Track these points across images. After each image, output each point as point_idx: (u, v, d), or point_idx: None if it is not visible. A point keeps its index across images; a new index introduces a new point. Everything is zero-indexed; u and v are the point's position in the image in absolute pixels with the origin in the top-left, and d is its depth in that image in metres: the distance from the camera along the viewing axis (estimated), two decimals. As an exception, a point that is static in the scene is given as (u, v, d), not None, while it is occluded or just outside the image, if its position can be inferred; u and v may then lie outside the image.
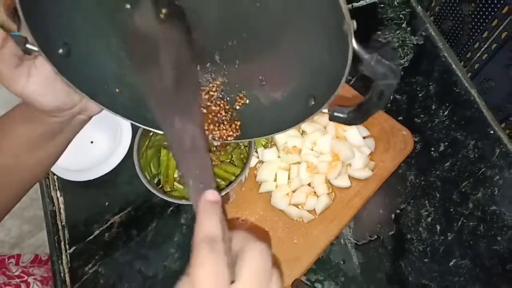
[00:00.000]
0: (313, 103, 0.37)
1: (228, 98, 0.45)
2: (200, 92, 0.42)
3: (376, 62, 0.29)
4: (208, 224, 0.26)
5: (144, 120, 0.43)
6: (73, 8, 0.34)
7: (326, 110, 0.36)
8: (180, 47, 0.32)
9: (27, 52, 0.33)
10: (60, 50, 0.35)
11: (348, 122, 0.36)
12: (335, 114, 0.36)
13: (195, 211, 0.28)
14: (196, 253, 0.24)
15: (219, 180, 0.59)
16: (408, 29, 0.80)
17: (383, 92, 0.31)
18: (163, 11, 0.31)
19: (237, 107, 0.44)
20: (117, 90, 0.41)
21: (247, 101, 0.44)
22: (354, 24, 0.28)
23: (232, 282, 0.24)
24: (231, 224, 0.27)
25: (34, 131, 0.40)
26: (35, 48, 0.32)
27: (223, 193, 0.53)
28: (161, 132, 0.44)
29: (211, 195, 0.28)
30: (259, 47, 0.40)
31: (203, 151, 0.30)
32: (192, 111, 0.31)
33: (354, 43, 0.28)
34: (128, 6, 0.32)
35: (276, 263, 0.25)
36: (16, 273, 0.76)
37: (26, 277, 0.76)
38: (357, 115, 0.35)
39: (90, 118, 0.43)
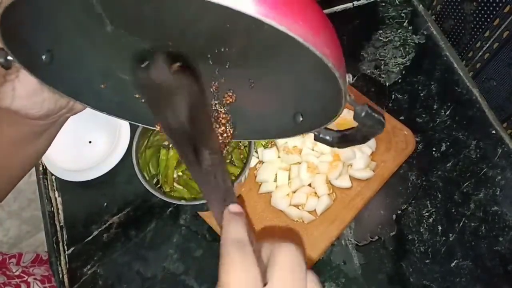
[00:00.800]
0: (301, 119, 0.38)
1: (217, 97, 0.45)
2: (212, 120, 0.44)
3: (365, 114, 0.32)
4: (234, 229, 0.26)
5: (133, 115, 0.42)
6: (55, 16, 0.33)
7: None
8: (191, 89, 0.34)
9: (8, 65, 0.31)
10: (43, 57, 0.33)
11: (331, 145, 0.38)
12: (321, 136, 0.38)
13: (219, 224, 0.28)
14: (225, 257, 0.23)
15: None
16: (410, 28, 0.79)
17: (367, 136, 0.34)
18: (175, 66, 0.34)
19: (225, 105, 0.45)
20: (102, 85, 0.40)
21: (235, 100, 0.44)
22: (350, 77, 0.29)
23: (265, 285, 0.23)
24: (258, 236, 0.29)
25: (21, 131, 0.40)
26: (17, 60, 0.31)
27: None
28: (151, 128, 0.43)
29: (235, 207, 0.28)
30: (251, 58, 0.40)
31: (223, 171, 0.31)
32: (208, 139, 0.32)
33: (348, 97, 0.30)
34: (143, 65, 0.35)
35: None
36: (16, 273, 0.75)
37: (26, 277, 0.75)
38: (340, 142, 0.38)
39: (76, 113, 0.43)
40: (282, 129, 0.40)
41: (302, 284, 0.23)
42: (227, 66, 0.42)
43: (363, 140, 0.35)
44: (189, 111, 0.32)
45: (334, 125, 0.35)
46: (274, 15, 0.22)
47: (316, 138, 0.38)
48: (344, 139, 0.37)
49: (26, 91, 0.34)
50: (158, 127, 0.43)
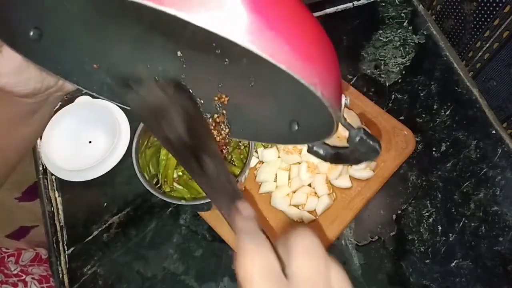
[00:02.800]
0: (296, 128, 0.37)
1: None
2: (210, 128, 0.45)
3: (360, 140, 0.30)
4: (247, 224, 0.25)
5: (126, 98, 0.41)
6: None
7: None
8: (184, 104, 0.37)
9: None
10: (31, 34, 0.31)
11: (324, 160, 0.37)
12: (315, 149, 0.37)
13: (231, 226, 0.28)
14: (241, 248, 0.22)
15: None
16: (410, 28, 0.79)
17: (360, 160, 0.33)
18: (169, 91, 0.36)
19: (219, 103, 0.44)
20: (94, 66, 0.38)
21: (227, 101, 0.44)
22: (347, 100, 0.28)
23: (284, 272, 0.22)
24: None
25: (12, 112, 0.39)
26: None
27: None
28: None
29: (243, 204, 0.28)
30: (247, 62, 0.39)
31: (226, 172, 0.32)
32: (207, 145, 0.34)
33: (342, 121, 0.28)
34: (134, 87, 0.37)
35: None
36: (15, 272, 0.75)
37: (24, 276, 0.75)
38: (333, 159, 0.36)
39: (67, 93, 0.42)
40: (276, 135, 0.39)
41: (321, 267, 0.22)
42: (225, 63, 0.41)
43: (356, 162, 0.34)
44: (185, 123, 0.34)
45: (334, 137, 0.35)
46: (258, 39, 0.20)
47: (310, 151, 0.37)
48: (338, 157, 0.36)
49: (10, 67, 0.33)
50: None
